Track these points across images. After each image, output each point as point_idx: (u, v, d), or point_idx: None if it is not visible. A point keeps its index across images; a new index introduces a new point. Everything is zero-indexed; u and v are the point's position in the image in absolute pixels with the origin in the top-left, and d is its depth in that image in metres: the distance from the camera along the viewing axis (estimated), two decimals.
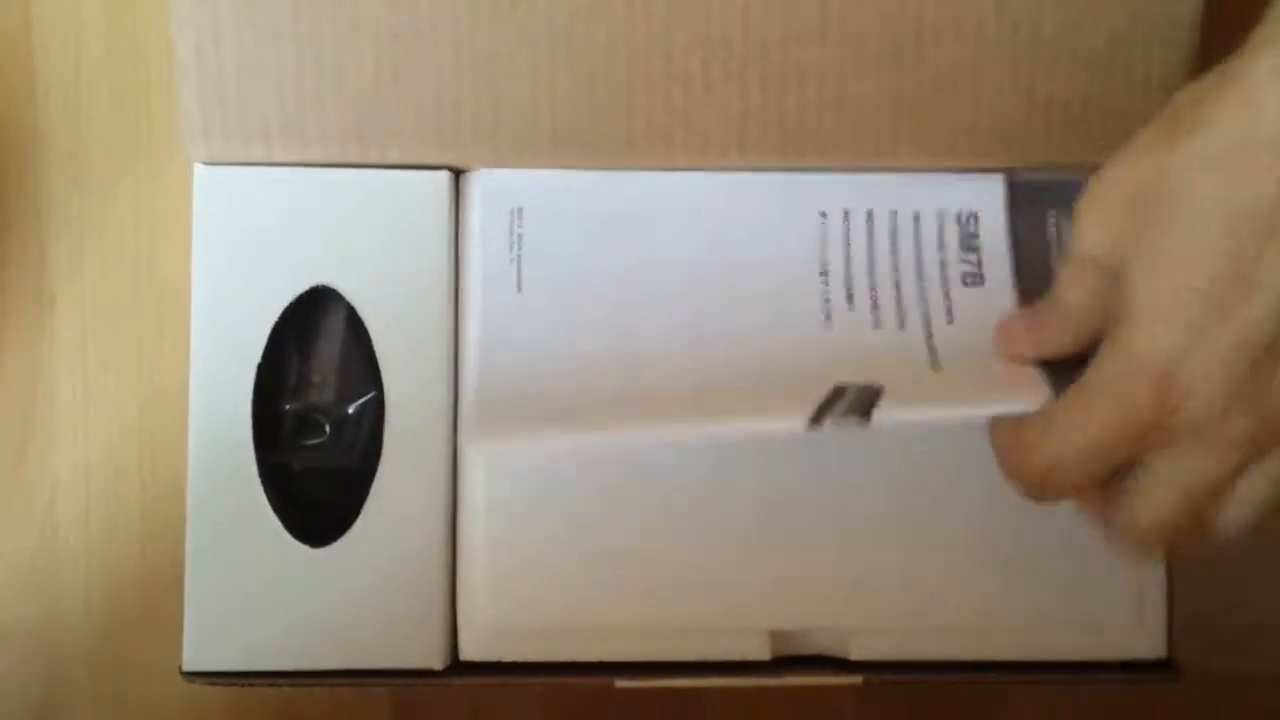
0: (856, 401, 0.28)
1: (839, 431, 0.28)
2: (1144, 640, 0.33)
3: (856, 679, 0.33)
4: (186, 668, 0.32)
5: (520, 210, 0.33)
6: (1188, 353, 0.25)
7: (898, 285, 0.32)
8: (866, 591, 0.33)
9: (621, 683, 0.32)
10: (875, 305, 0.32)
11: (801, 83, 0.32)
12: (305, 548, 0.32)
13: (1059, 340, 0.28)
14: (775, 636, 0.33)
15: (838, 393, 0.29)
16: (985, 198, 0.33)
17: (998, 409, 0.28)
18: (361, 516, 0.33)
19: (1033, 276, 0.32)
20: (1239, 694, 0.37)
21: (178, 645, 0.32)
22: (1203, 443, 0.25)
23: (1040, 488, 0.28)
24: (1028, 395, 0.28)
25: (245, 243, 0.33)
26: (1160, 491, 0.26)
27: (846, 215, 0.33)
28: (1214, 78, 0.25)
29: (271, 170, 0.33)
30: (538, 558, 0.33)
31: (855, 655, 0.33)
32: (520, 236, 0.33)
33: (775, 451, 0.32)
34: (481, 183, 0.33)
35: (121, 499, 0.38)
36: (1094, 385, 0.26)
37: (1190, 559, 0.29)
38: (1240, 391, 0.25)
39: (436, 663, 0.33)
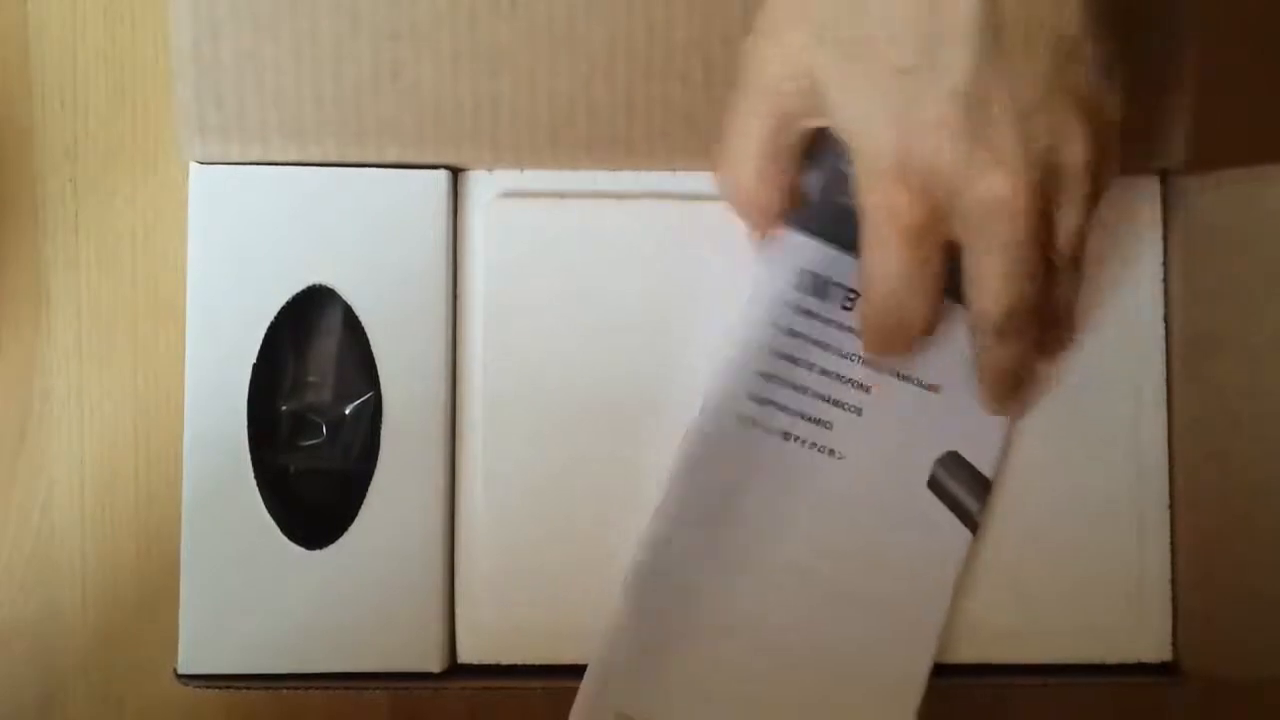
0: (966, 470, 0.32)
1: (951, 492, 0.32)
2: (1147, 643, 0.33)
3: None
4: (182, 670, 0.32)
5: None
6: (901, 134, 0.26)
7: None
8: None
9: None
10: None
11: None
12: (302, 550, 0.32)
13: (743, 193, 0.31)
14: None
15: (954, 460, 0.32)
16: None
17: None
18: (359, 518, 0.32)
19: None
20: (1243, 697, 0.37)
21: (174, 646, 0.32)
22: (986, 203, 0.26)
23: (905, 339, 0.29)
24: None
25: (242, 242, 0.33)
26: (992, 261, 0.27)
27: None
28: None
29: (268, 169, 0.33)
30: (537, 559, 0.33)
31: None
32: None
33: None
34: (481, 184, 0.33)
35: (117, 500, 0.38)
36: (868, 223, 0.28)
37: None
38: (972, 131, 0.26)
39: (435, 665, 0.32)
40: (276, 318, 0.33)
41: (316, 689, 0.33)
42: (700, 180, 0.33)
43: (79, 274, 0.38)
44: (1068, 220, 0.27)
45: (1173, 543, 0.33)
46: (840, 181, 0.30)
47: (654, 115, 0.32)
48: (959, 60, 0.25)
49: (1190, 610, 0.33)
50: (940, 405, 0.32)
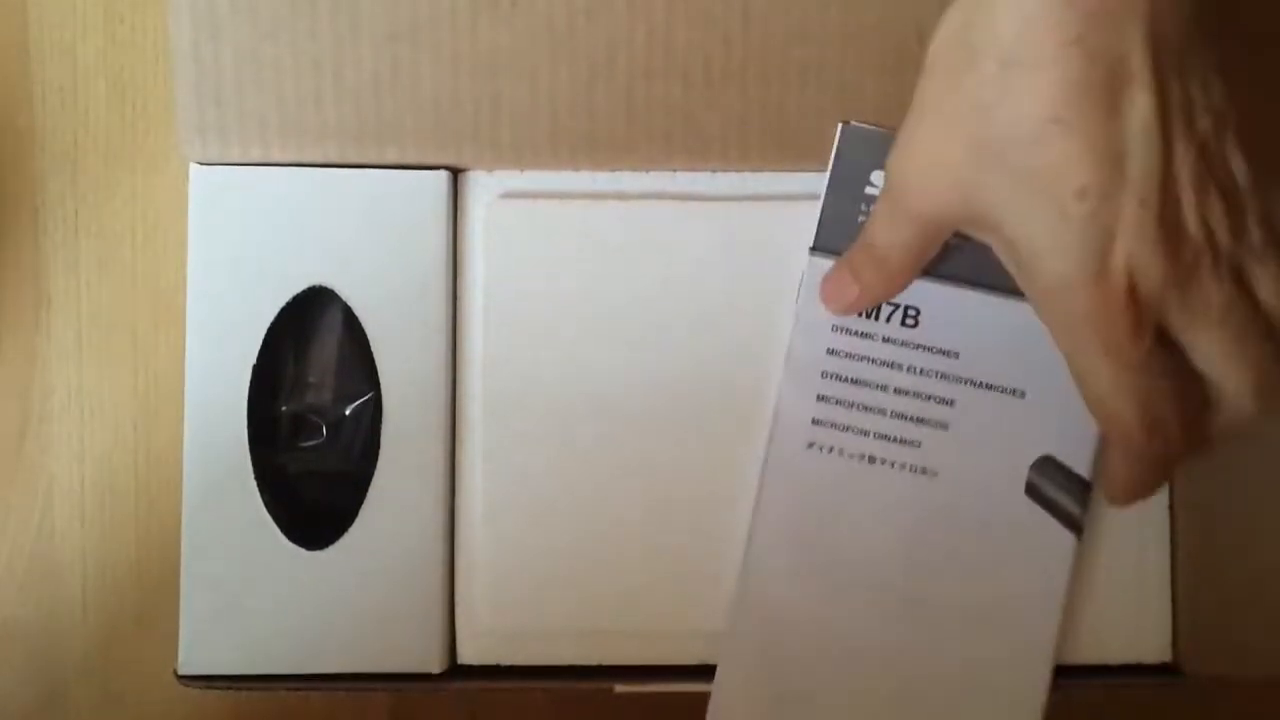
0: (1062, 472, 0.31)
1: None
2: (1147, 643, 0.33)
3: None
4: (182, 671, 0.32)
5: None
6: (1117, 254, 0.25)
7: None
8: None
9: (621, 687, 0.32)
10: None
11: (801, 83, 0.32)
12: (302, 550, 0.32)
13: (881, 290, 0.31)
14: None
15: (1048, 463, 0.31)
16: None
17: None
18: (359, 519, 0.32)
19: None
20: (1243, 697, 0.37)
21: (174, 646, 0.32)
22: (1200, 293, 0.25)
23: (1164, 463, 0.27)
24: None
25: (242, 243, 0.33)
26: (1228, 347, 0.26)
27: None
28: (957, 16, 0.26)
29: (268, 170, 0.33)
30: (537, 560, 0.33)
31: None
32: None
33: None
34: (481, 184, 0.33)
35: (118, 500, 0.38)
36: (1087, 361, 0.26)
37: None
38: (1178, 236, 0.24)
39: (435, 666, 0.32)
40: (276, 318, 0.33)
41: (316, 689, 0.33)
42: (700, 180, 0.33)
43: (79, 274, 0.38)
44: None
45: (1173, 543, 0.33)
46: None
47: (654, 115, 0.32)
48: (1144, 165, 0.24)
49: (1190, 610, 0.33)
50: (1027, 410, 0.31)
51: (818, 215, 0.32)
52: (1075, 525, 0.31)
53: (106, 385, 0.38)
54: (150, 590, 0.38)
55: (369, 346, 0.33)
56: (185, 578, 0.32)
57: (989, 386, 0.32)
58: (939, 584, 0.31)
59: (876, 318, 0.31)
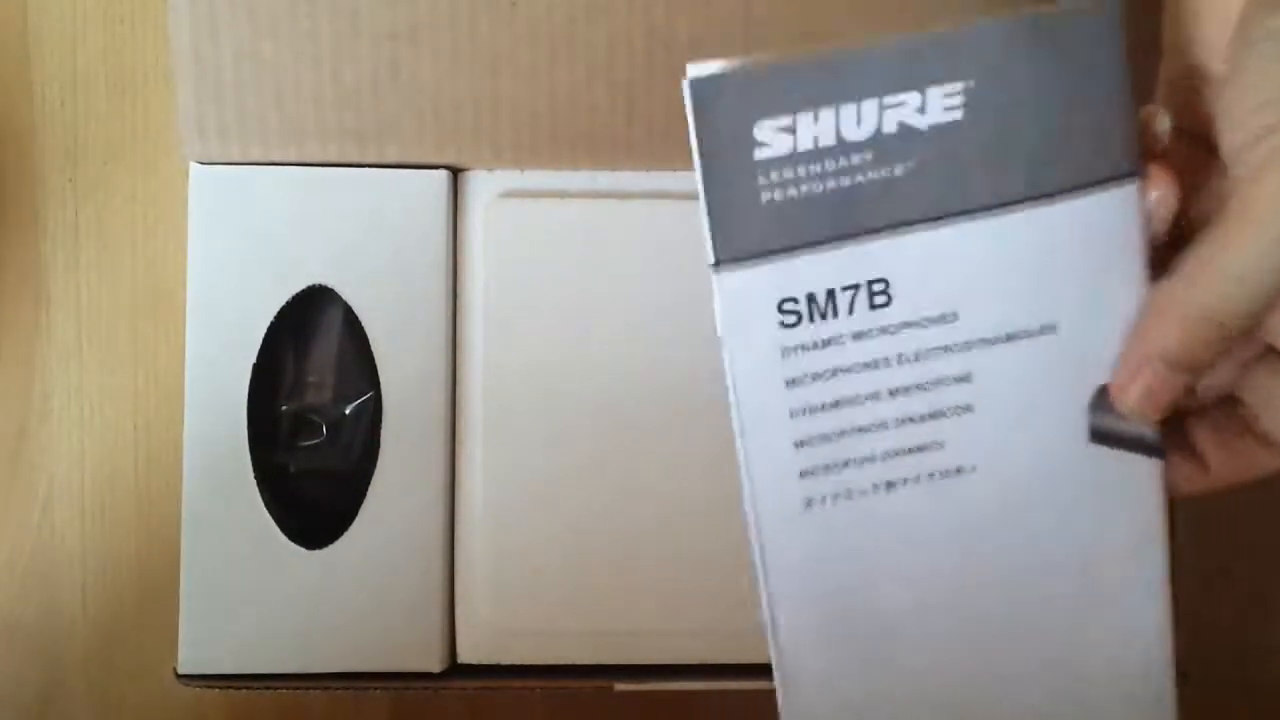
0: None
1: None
2: None
3: None
4: (182, 670, 0.32)
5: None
6: None
7: None
8: None
9: (621, 686, 0.32)
10: None
11: None
12: (302, 550, 0.32)
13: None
14: None
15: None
16: None
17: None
18: (359, 518, 0.32)
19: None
20: (1243, 698, 0.37)
21: (174, 646, 0.32)
22: None
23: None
24: None
25: (241, 242, 0.33)
26: None
27: None
28: None
29: (268, 169, 0.32)
30: (536, 560, 0.33)
31: None
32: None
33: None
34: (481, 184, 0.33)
35: (118, 499, 0.38)
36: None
37: None
38: None
39: (435, 665, 0.32)
40: (276, 318, 0.33)
41: (316, 689, 0.33)
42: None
43: (79, 274, 0.38)
44: None
45: (1173, 543, 0.33)
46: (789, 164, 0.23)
47: (654, 115, 0.32)
48: None
49: (1190, 610, 0.33)
50: (1064, 344, 0.25)
51: (705, 221, 0.23)
52: (1158, 450, 0.25)
53: (106, 385, 0.38)
54: (150, 589, 0.38)
55: (369, 346, 0.33)
56: (185, 577, 0.32)
57: (1010, 337, 0.25)
58: (1013, 601, 0.26)
59: (835, 314, 0.24)
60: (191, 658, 0.32)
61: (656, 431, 0.33)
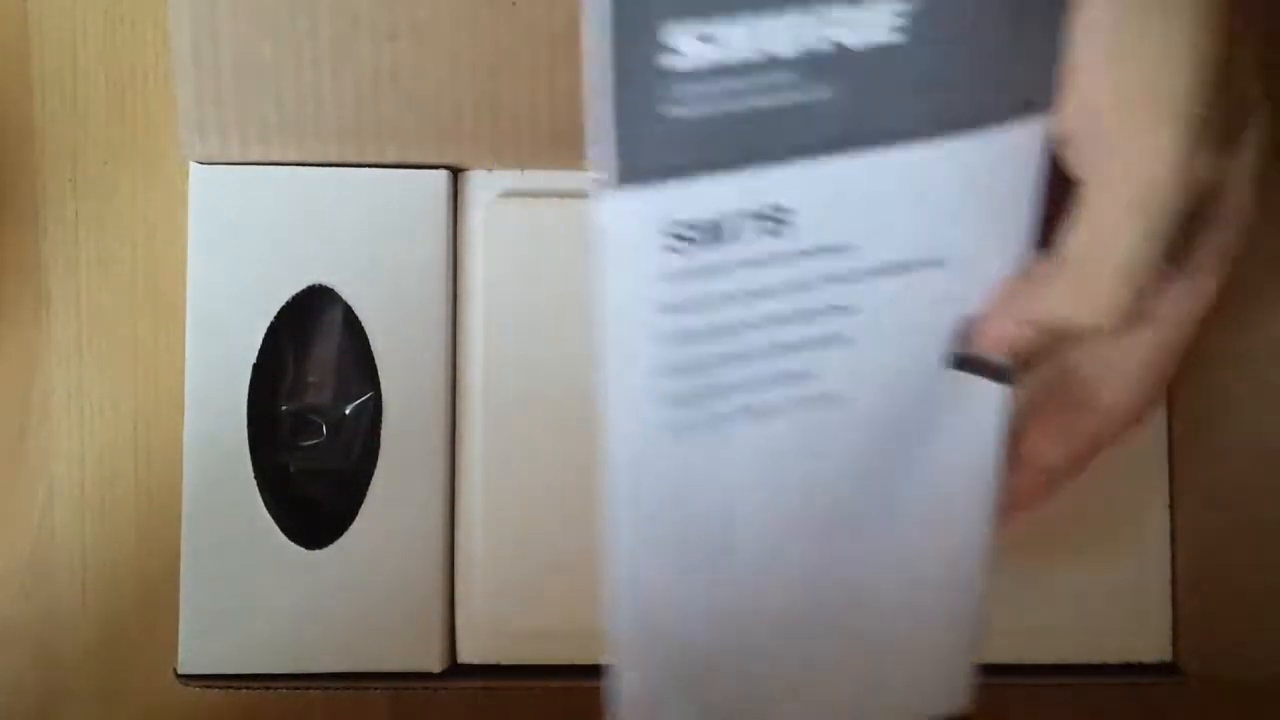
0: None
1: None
2: (1149, 643, 0.33)
3: None
4: (182, 670, 0.32)
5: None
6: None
7: None
8: None
9: None
10: None
11: None
12: (302, 549, 0.32)
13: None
14: None
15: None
16: None
17: None
18: (359, 518, 0.32)
19: None
20: (1243, 697, 0.37)
21: (174, 646, 0.32)
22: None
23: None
24: None
25: (241, 242, 0.33)
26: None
27: None
28: None
29: (268, 169, 0.33)
30: (536, 559, 0.33)
31: None
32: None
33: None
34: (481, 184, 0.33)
35: (118, 500, 0.38)
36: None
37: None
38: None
39: (435, 665, 0.32)
40: (276, 317, 0.33)
41: (316, 689, 0.33)
42: None
43: (79, 274, 0.38)
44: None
45: (1173, 543, 0.33)
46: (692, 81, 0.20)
47: None
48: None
49: (1190, 610, 0.33)
50: (950, 279, 0.24)
51: (610, 130, 0.20)
52: (1008, 375, 0.25)
53: (106, 385, 0.38)
54: (151, 590, 0.37)
55: (369, 346, 0.33)
56: (185, 577, 0.32)
57: (902, 269, 0.24)
58: (865, 530, 0.26)
59: (726, 239, 0.22)
60: (191, 658, 0.32)
61: None
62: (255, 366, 0.32)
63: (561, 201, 0.33)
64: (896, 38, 0.21)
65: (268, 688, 0.33)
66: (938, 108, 0.22)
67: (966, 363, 0.25)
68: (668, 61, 0.20)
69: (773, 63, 0.20)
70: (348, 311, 0.33)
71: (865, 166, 0.22)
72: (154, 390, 0.38)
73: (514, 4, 0.32)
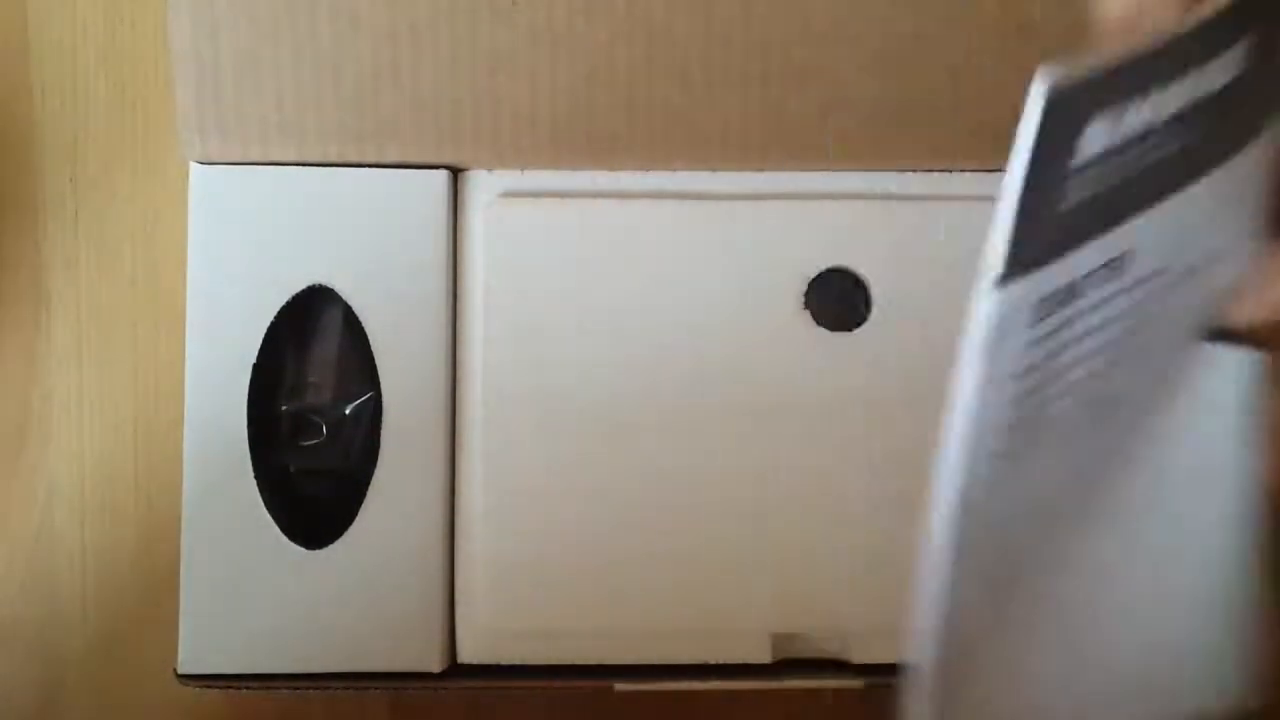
0: None
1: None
2: None
3: (858, 682, 0.32)
4: (182, 670, 0.32)
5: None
6: None
7: None
8: (869, 594, 0.33)
9: (621, 686, 0.32)
10: None
11: (801, 83, 0.32)
12: (302, 549, 0.32)
13: None
14: (777, 639, 0.33)
15: None
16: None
17: None
18: (359, 518, 0.32)
19: None
20: None
21: (174, 646, 0.32)
22: None
23: None
24: None
25: (242, 242, 0.33)
26: None
27: None
28: None
29: (268, 170, 0.33)
30: (537, 559, 0.33)
31: (857, 658, 0.33)
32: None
33: (776, 453, 0.32)
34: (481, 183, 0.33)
35: (118, 500, 0.38)
36: None
37: None
38: None
39: (435, 665, 0.32)
40: (276, 318, 0.33)
41: (316, 689, 0.33)
42: (700, 180, 0.33)
43: (79, 274, 0.38)
44: None
45: None
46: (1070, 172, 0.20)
47: (654, 115, 0.32)
48: None
49: None
50: (1212, 278, 0.24)
51: (1007, 226, 0.20)
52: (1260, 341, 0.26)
53: (106, 385, 0.38)
54: (151, 590, 0.38)
55: (369, 346, 0.33)
56: (185, 577, 0.32)
57: (1185, 274, 0.24)
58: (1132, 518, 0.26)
59: (1077, 295, 0.22)
60: (191, 658, 0.32)
61: (657, 432, 0.33)
62: (255, 367, 0.32)
63: (562, 202, 0.33)
64: (1237, 70, 0.21)
65: (268, 688, 0.33)
66: (1255, 119, 0.22)
67: (1221, 334, 0.25)
68: (1079, 157, 0.20)
69: (1151, 130, 0.20)
70: (348, 311, 0.33)
71: (1193, 193, 0.22)
72: (154, 390, 0.38)
73: (514, 4, 0.32)
